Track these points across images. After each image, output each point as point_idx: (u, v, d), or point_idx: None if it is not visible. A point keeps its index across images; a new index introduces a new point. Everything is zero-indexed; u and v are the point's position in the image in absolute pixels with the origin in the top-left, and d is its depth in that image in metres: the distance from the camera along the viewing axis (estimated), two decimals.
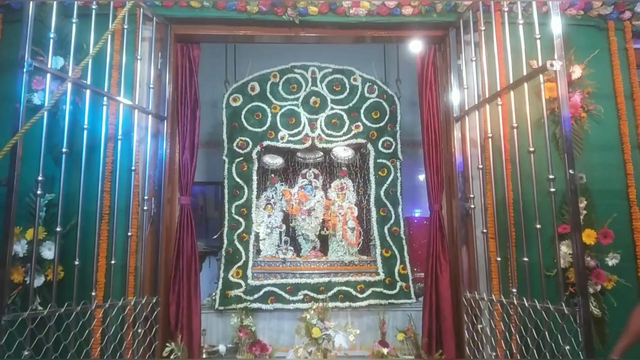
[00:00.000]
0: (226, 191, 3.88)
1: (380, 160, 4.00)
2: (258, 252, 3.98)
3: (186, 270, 3.31)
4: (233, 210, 3.85)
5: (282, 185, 4.21)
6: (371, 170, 3.98)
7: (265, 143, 3.96)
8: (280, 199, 4.13)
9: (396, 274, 3.81)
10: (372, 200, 3.95)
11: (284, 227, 4.05)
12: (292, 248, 3.98)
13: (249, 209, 3.86)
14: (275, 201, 4.13)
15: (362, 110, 4.04)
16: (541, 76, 2.47)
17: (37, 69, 2.26)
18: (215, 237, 3.98)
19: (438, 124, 3.55)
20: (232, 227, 3.83)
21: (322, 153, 4.17)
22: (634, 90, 3.17)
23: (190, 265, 3.33)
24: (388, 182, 3.95)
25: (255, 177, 3.92)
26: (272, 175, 4.17)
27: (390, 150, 4.00)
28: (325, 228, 4.04)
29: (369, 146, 4.00)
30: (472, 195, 3.24)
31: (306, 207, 4.04)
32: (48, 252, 2.62)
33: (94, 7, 2.65)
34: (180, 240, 3.34)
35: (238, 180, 3.89)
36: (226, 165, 3.91)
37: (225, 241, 3.79)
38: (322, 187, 4.24)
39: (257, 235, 3.95)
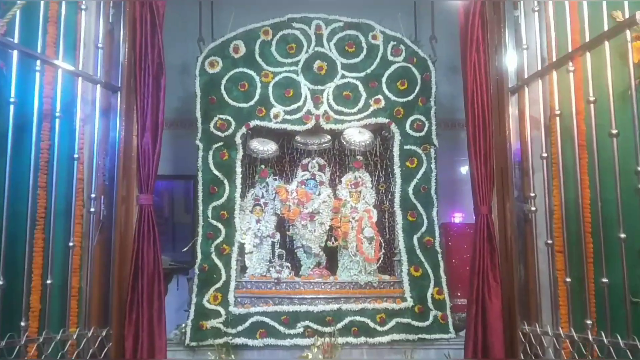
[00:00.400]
0: (200, 188, 3.94)
1: (408, 147, 4.04)
2: (243, 269, 4.04)
3: (147, 293, 3.33)
4: (210, 214, 3.89)
5: (275, 180, 4.24)
6: (396, 160, 4.02)
7: (253, 123, 4.01)
8: (273, 198, 4.16)
9: (429, 300, 3.85)
10: (397, 200, 3.99)
11: (277, 236, 4.08)
12: (288, 265, 4.01)
13: (230, 211, 3.91)
14: (266, 201, 4.15)
15: (384, 79, 4.07)
16: (628, 32, 2.47)
17: None
18: (185, 249, 4.04)
19: (487, 98, 3.55)
20: (208, 236, 3.88)
21: (329, 137, 4.21)
22: None
23: (153, 286, 3.36)
24: (419, 176, 4.00)
25: (239, 169, 3.97)
26: (263, 166, 4.19)
27: (422, 133, 4.04)
28: (333, 238, 4.08)
29: (394, 127, 4.04)
30: (533, 194, 3.25)
31: (308, 209, 4.06)
32: None
33: None
34: (139, 252, 3.36)
35: (216, 172, 3.94)
36: (200, 153, 3.97)
37: (200, 255, 3.86)
38: (330, 182, 4.29)
39: (241, 247, 4.01)
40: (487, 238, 3.44)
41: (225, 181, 3.95)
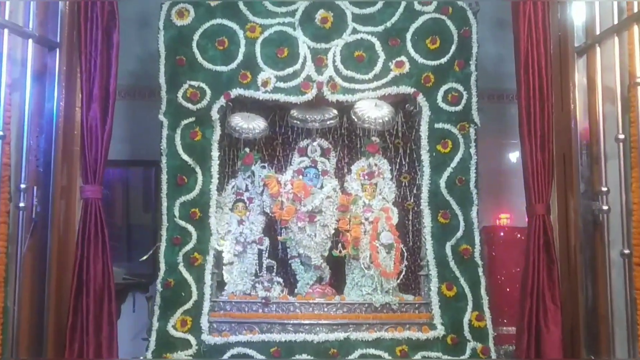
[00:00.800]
0: (165, 178, 3.95)
1: (440, 125, 4.03)
2: (220, 286, 4.06)
3: (94, 316, 3.33)
4: (177, 212, 3.92)
5: (264, 168, 4.25)
6: (424, 142, 4.02)
7: (234, 92, 4.01)
8: (260, 192, 4.18)
9: (466, 328, 3.84)
10: (424, 196, 4.00)
11: (266, 242, 4.11)
12: (280, 280, 4.03)
13: (204, 209, 3.94)
14: (251, 196, 4.18)
15: (408, 36, 4.06)
16: None
17: None
18: (144, 258, 4.05)
19: (546, 61, 3.56)
20: (174, 241, 3.90)
21: (335, 112, 4.20)
22: None
23: (101, 306, 3.36)
24: (454, 164, 4.00)
25: (216, 153, 3.98)
26: (247, 150, 4.20)
27: (459, 108, 4.03)
28: (340, 245, 4.09)
29: (421, 99, 4.04)
30: (604, 189, 3.25)
31: (307, 207, 4.07)
32: None
33: None
34: (83, 262, 3.37)
35: (186, 158, 3.96)
36: (165, 132, 3.97)
37: (163, 267, 3.86)
38: (336, 172, 4.33)
39: (218, 256, 4.03)
40: (543, 246, 3.45)
41: (198, 169, 3.95)
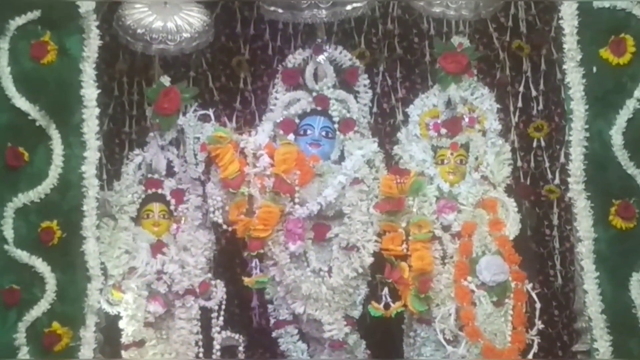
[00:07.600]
0: None
1: (604, 3, 4.09)
2: None
3: None
4: (8, 231, 3.92)
5: (207, 120, 4.22)
6: (570, 42, 4.01)
7: None
8: (201, 176, 4.20)
9: None
10: (576, 169, 3.98)
11: (219, 291, 4.17)
12: None
13: (71, 222, 3.97)
14: (181, 187, 4.30)
15: None
16: None
17: None
18: None
19: None
20: (5, 298, 3.95)
21: None
22: None
23: None
24: None
25: (93, 92, 4.03)
26: (166, 81, 4.31)
27: None
28: (385, 291, 4.06)
29: None
30: None
31: (308, 205, 4.08)
32: None
33: None
34: None
35: (23, 104, 3.98)
36: None
37: None
38: (375, 123, 4.55)
39: (111, 328, 4.12)
40: None
41: (53, 130, 3.99)
